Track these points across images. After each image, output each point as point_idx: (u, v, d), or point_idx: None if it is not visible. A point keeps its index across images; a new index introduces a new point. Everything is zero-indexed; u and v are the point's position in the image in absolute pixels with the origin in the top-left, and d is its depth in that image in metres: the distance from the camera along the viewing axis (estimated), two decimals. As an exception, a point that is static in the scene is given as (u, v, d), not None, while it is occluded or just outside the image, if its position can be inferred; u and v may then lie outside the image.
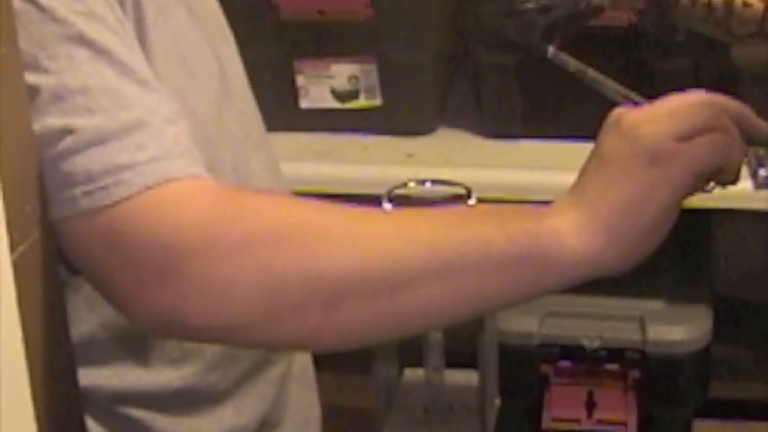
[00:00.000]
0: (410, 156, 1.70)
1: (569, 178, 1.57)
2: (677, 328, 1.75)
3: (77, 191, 0.84)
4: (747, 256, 2.03)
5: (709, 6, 0.98)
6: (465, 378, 1.17)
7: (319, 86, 1.74)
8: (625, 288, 1.80)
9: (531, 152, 1.69)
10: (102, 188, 0.83)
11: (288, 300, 0.81)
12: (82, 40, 0.85)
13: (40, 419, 0.79)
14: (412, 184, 1.20)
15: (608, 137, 0.83)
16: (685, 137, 0.81)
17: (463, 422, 1.08)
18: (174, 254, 0.81)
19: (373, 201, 1.24)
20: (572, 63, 0.93)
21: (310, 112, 1.73)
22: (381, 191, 1.24)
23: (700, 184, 0.84)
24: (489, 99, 1.71)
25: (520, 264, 0.80)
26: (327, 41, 1.70)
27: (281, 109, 1.71)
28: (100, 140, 0.83)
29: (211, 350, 1.00)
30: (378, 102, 1.73)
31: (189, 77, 0.95)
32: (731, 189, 1.60)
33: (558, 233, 0.80)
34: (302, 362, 1.15)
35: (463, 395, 1.14)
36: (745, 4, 0.98)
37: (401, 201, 1.16)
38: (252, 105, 1.09)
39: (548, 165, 1.60)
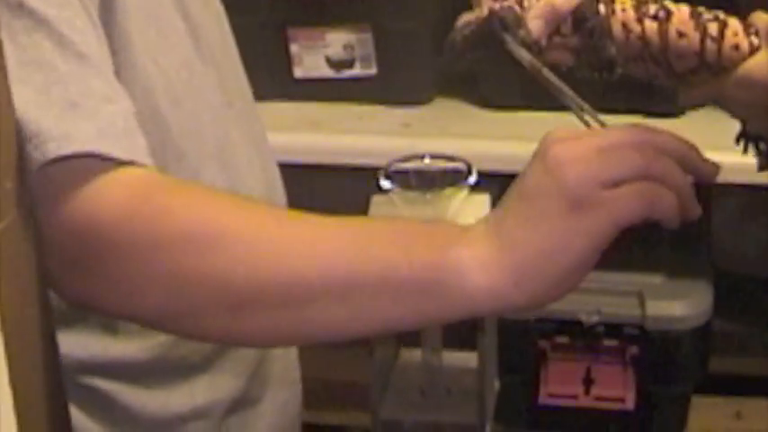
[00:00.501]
0: (406, 126, 1.68)
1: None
2: (677, 304, 1.72)
3: None
4: (748, 230, 2.00)
5: (644, 39, 0.93)
6: (464, 360, 1.13)
7: (314, 55, 1.71)
8: (624, 263, 1.77)
9: (529, 123, 1.66)
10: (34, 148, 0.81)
11: (192, 302, 0.81)
12: (21, 8, 0.83)
13: (17, 392, 0.77)
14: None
15: (534, 168, 0.79)
16: (613, 184, 0.77)
17: (461, 405, 1.04)
18: (88, 244, 0.82)
19: (368, 172, 1.21)
20: (526, 59, 0.88)
21: (304, 81, 1.71)
22: (376, 162, 1.21)
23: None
24: (487, 69, 1.69)
25: (420, 293, 0.78)
26: (322, 9, 1.68)
27: (274, 78, 1.69)
28: (28, 114, 0.82)
29: None
30: (373, 71, 1.71)
31: (159, 36, 0.94)
32: (732, 162, 1.58)
33: (462, 268, 0.78)
34: None
35: (462, 377, 1.09)
36: (680, 35, 0.94)
37: (399, 177, 1.11)
38: (237, 75, 1.08)
39: (535, 136, 1.53)
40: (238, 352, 1.04)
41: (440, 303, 0.78)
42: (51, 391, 0.84)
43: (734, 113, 1.04)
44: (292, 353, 1.15)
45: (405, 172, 1.12)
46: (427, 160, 1.14)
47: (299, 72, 1.71)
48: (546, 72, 0.90)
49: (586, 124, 0.88)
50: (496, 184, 1.94)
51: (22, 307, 0.80)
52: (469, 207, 1.10)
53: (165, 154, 0.94)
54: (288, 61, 1.70)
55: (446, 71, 1.64)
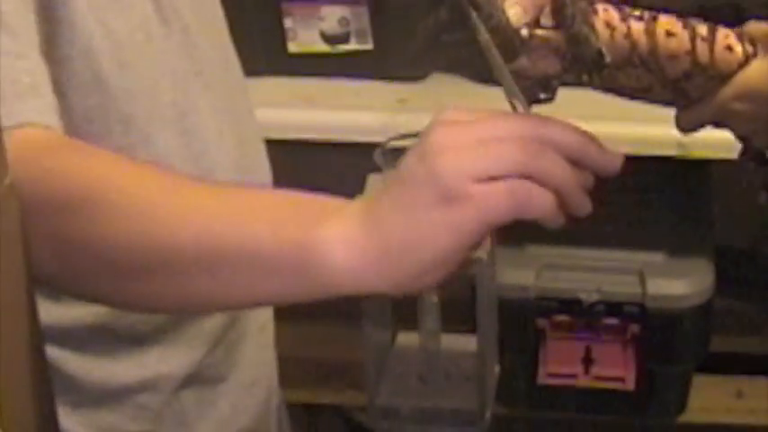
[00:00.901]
0: (402, 102, 1.66)
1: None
2: (678, 282, 1.70)
3: None
4: (751, 207, 1.96)
5: (630, 38, 0.89)
6: (463, 343, 1.08)
7: (308, 29, 1.69)
8: (625, 240, 1.76)
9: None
10: None
11: (77, 266, 0.81)
12: None
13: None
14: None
15: (414, 152, 0.77)
16: (487, 178, 0.73)
17: (461, 391, 1.00)
18: None
19: (364, 149, 1.17)
20: (484, 37, 0.86)
21: (299, 55, 1.69)
22: (372, 139, 1.16)
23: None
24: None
25: (284, 270, 0.77)
26: (317, -18, 1.66)
27: (268, 52, 1.68)
28: None
29: None
30: (369, 45, 1.69)
31: None
32: (733, 138, 1.55)
33: (326, 247, 0.76)
34: (261, 320, 1.12)
35: (461, 361, 1.05)
36: (669, 34, 0.90)
37: (396, 155, 1.06)
38: (214, 44, 1.05)
39: (542, 111, 1.50)
40: (195, 326, 1.02)
41: (303, 281, 0.77)
42: (32, 342, 0.81)
43: (737, 131, 1.00)
44: (267, 333, 1.13)
45: (401, 150, 1.07)
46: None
47: (293, 47, 1.69)
48: (495, 52, 0.85)
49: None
50: None
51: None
52: None
53: (108, 117, 0.92)
54: (282, 36, 1.68)
55: (443, 46, 1.60)
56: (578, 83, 0.95)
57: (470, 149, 0.74)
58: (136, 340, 1.00)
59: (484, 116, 0.77)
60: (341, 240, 0.76)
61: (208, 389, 1.07)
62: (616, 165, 0.80)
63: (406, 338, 1.13)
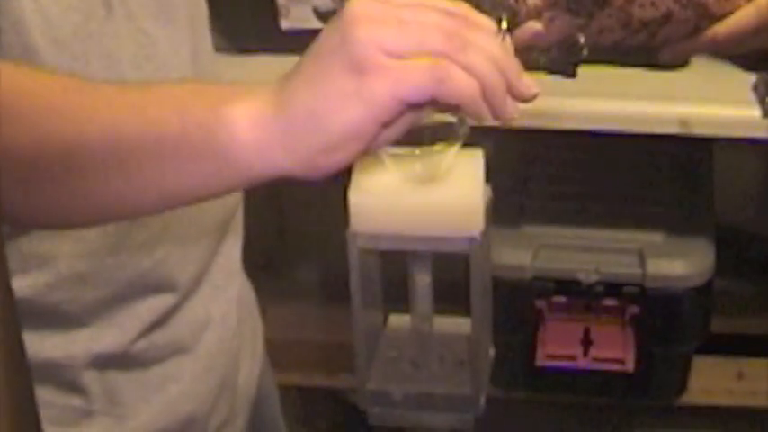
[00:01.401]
0: None
1: (562, 103, 1.46)
2: (678, 262, 1.68)
3: None
4: (751, 187, 1.93)
5: None
6: (457, 326, 1.04)
7: (301, 5, 1.64)
8: (624, 219, 1.73)
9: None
10: None
11: None
12: None
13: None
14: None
15: (330, 24, 0.73)
16: (402, 54, 0.70)
17: (454, 375, 0.96)
18: None
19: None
20: None
21: (291, 33, 1.62)
22: None
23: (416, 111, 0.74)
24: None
25: (194, 154, 0.74)
26: (309, -44, 1.62)
27: (259, 29, 1.63)
28: None
29: (56, 268, 0.93)
30: None
31: None
32: (735, 116, 1.50)
33: (232, 124, 0.73)
34: (224, 309, 1.10)
35: (455, 345, 1.01)
36: None
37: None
38: (168, 32, 0.99)
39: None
40: (128, 308, 0.99)
41: (212, 164, 0.73)
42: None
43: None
44: (229, 323, 1.10)
45: None
46: None
47: (285, 23, 1.63)
48: None
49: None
50: (491, 137, 1.93)
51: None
52: (462, 163, 1.02)
53: None
54: (274, 12, 1.62)
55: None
56: (596, 41, 0.90)
57: (389, 25, 0.71)
58: (63, 319, 0.96)
59: (412, 1, 0.73)
60: (246, 117, 0.72)
61: (150, 372, 1.03)
62: (530, 93, 0.75)
63: (398, 321, 1.09)
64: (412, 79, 0.70)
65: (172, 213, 0.96)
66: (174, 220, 1.01)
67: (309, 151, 0.73)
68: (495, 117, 0.75)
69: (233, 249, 1.13)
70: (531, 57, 0.91)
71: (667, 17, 0.91)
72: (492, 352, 1.07)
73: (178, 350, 1.05)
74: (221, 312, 1.10)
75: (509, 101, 0.74)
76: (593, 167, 1.82)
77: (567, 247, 1.70)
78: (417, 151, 1.05)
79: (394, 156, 1.07)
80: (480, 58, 0.71)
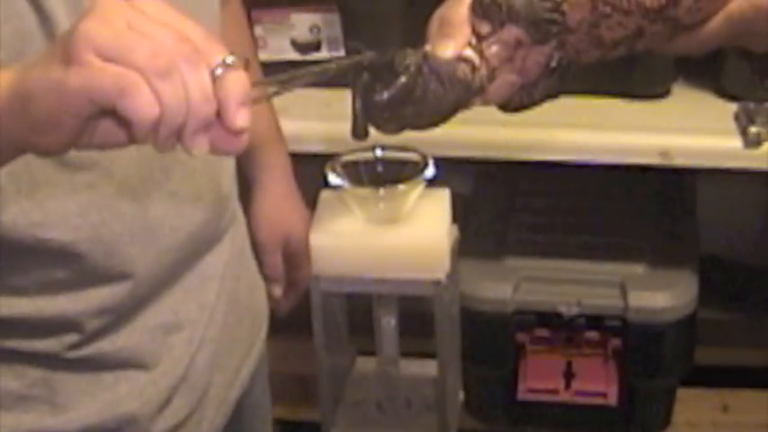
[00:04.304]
0: None
1: (543, 135, 1.43)
2: (661, 294, 1.64)
3: None
4: (735, 216, 1.91)
5: None
6: (424, 368, 1.02)
7: (278, 37, 1.63)
8: (605, 251, 1.70)
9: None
10: None
11: None
12: None
13: None
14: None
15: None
16: (109, 58, 0.72)
17: (422, 419, 0.93)
18: None
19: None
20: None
21: (269, 64, 1.59)
22: (343, 149, 1.10)
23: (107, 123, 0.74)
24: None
25: None
26: (287, -12, 1.61)
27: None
28: None
29: None
30: (341, 53, 1.62)
31: None
32: (717, 147, 1.47)
33: None
34: (195, 315, 1.09)
35: (422, 388, 0.98)
36: None
37: (350, 170, 1.00)
38: None
39: (513, 121, 1.43)
40: (60, 314, 1.00)
41: None
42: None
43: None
44: (200, 327, 1.10)
45: (355, 164, 1.01)
46: (379, 152, 1.02)
47: (263, 55, 1.62)
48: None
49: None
50: (472, 168, 1.90)
51: None
52: (427, 203, 1.00)
53: None
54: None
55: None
56: (566, 67, 0.89)
57: (112, 27, 0.72)
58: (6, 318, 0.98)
59: (160, 11, 0.74)
60: (5, 87, 0.76)
61: (101, 373, 1.04)
62: (236, 127, 0.73)
63: (365, 363, 1.07)
64: (100, 81, 0.71)
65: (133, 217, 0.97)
66: (137, 228, 1.01)
67: (22, 130, 0.75)
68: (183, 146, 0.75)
69: (218, 257, 1.12)
70: (524, 95, 0.90)
71: (639, 33, 0.89)
72: (461, 395, 1.04)
73: (134, 355, 1.05)
74: (192, 317, 1.10)
75: (199, 137, 0.74)
76: (575, 199, 1.79)
77: (548, 280, 1.67)
78: (381, 191, 1.04)
79: (357, 196, 1.05)
80: (175, 89, 0.72)
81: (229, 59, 0.72)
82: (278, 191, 1.33)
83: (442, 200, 1.03)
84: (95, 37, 0.71)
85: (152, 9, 0.74)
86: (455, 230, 1.03)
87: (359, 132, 0.86)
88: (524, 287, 1.66)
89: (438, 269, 0.97)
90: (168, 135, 0.73)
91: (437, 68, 0.85)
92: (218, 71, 0.71)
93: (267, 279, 1.28)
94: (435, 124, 0.89)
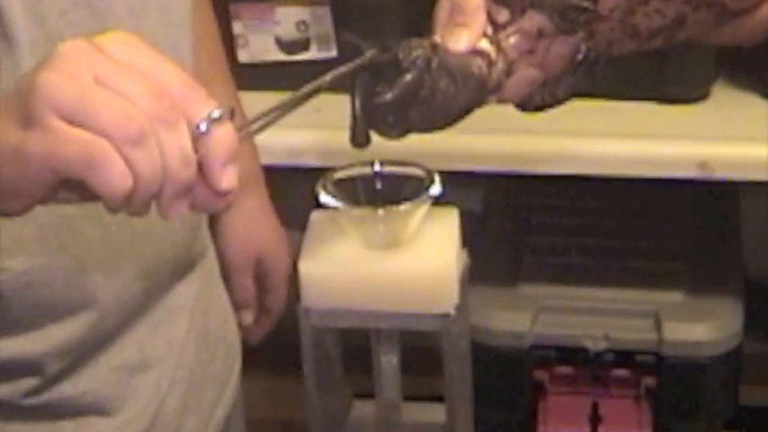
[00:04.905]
0: None
1: (562, 144, 1.44)
2: (700, 326, 1.66)
3: None
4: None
5: None
6: (430, 413, 1.04)
7: (261, 35, 1.65)
8: (636, 276, 1.72)
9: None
10: None
11: None
12: None
13: None
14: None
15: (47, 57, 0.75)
16: (74, 121, 0.71)
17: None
18: None
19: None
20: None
21: (250, 66, 1.64)
22: (337, 162, 1.11)
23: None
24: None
25: None
26: (271, -21, 1.63)
27: (214, 63, 1.57)
28: None
29: None
30: (332, 53, 1.62)
31: None
32: (762, 156, 1.49)
33: None
34: (163, 351, 1.11)
35: (428, 436, 1.00)
36: None
37: (345, 188, 1.01)
38: None
39: (530, 128, 1.47)
40: (15, 358, 1.01)
41: None
42: None
43: None
44: (169, 364, 1.12)
45: (351, 181, 1.03)
46: (378, 167, 1.04)
47: (243, 56, 1.64)
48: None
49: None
50: (483, 183, 1.91)
51: None
52: (433, 225, 1.01)
53: None
54: (231, 43, 1.62)
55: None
56: (594, 61, 0.91)
57: (78, 84, 0.71)
58: None
59: (131, 53, 0.74)
60: None
61: (60, 422, 1.05)
62: (221, 188, 0.75)
63: (363, 408, 1.08)
64: (63, 152, 0.71)
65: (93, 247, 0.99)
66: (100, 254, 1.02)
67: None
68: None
69: (189, 287, 1.14)
70: (546, 93, 0.92)
71: (679, 21, 0.90)
72: (473, 444, 1.05)
73: (96, 400, 1.05)
74: (160, 355, 1.11)
75: (177, 204, 0.75)
76: (600, 216, 1.81)
77: (570, 310, 1.69)
78: (380, 212, 1.04)
79: (352, 217, 1.06)
80: (150, 157, 0.72)
81: (215, 113, 0.72)
82: (249, 205, 1.35)
83: (449, 221, 1.04)
84: (58, 96, 0.71)
85: (122, 52, 0.73)
86: (465, 255, 1.04)
87: (359, 139, 0.87)
88: (543, 318, 1.67)
89: (446, 300, 0.99)
90: (142, 205, 0.73)
91: (448, 63, 0.86)
92: (202, 127, 0.72)
93: (237, 305, 1.31)
94: (445, 126, 0.89)
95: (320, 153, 1.53)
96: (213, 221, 1.29)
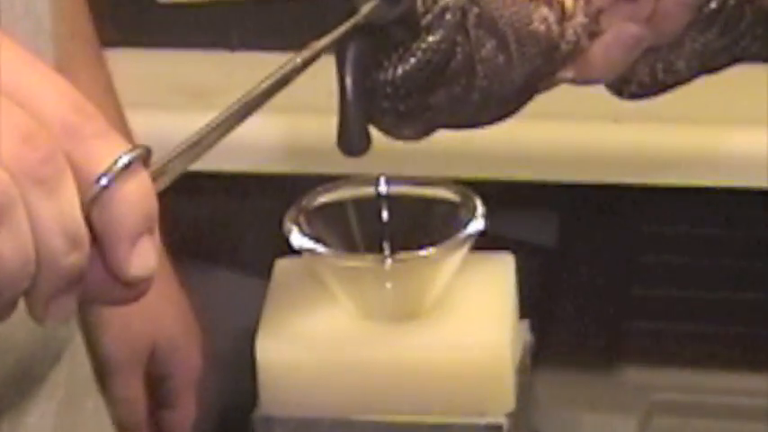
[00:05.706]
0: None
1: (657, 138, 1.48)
2: None
3: None
4: None
5: None
6: None
7: None
8: (753, 361, 1.78)
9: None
10: None
11: None
12: None
13: None
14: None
15: None
16: None
17: None
18: None
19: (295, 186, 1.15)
20: None
21: (173, 6, 1.72)
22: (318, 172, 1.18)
23: None
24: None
25: None
26: None
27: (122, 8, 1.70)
28: None
29: None
30: None
31: None
32: None
33: None
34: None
35: None
36: None
37: (325, 220, 1.03)
38: None
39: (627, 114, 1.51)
40: None
41: None
42: None
43: None
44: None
45: (340, 208, 1.05)
46: (383, 185, 1.04)
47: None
48: None
49: None
50: (530, 222, 1.92)
51: None
52: (474, 284, 1.03)
53: None
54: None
55: None
56: (734, 13, 0.96)
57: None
58: None
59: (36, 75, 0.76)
60: None
61: None
62: (128, 275, 0.77)
63: None
64: None
65: None
66: None
67: None
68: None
69: (41, 409, 1.19)
70: (657, 66, 0.95)
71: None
72: None
73: None
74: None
75: (58, 303, 0.77)
76: (733, 254, 1.85)
77: (696, 407, 1.74)
78: (387, 261, 1.03)
79: (342, 269, 1.04)
80: (14, 239, 0.74)
81: (122, 158, 0.73)
82: None
83: (500, 274, 1.04)
84: None
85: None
86: (526, 330, 1.03)
87: (352, 141, 0.88)
88: (658, 422, 1.71)
89: (494, 405, 0.99)
90: (5, 305, 0.75)
91: (494, 16, 0.87)
92: (102, 181, 0.72)
93: (120, 425, 1.37)
94: (490, 121, 0.92)
95: (293, 156, 1.55)
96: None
